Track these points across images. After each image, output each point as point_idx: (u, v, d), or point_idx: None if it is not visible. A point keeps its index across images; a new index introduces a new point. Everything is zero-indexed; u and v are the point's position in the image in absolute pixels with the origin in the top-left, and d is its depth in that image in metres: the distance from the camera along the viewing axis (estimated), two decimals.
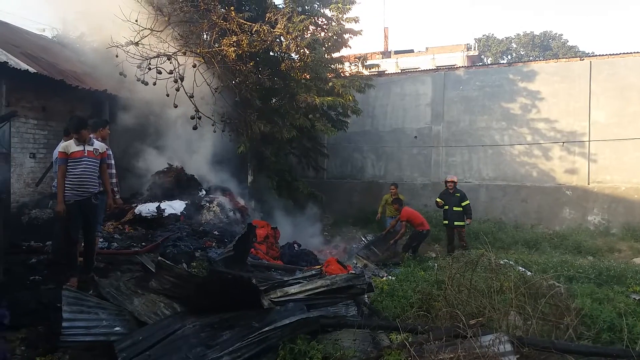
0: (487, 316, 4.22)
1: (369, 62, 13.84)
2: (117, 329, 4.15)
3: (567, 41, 44.03)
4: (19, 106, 9.41)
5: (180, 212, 9.31)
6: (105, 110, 11.27)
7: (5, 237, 5.79)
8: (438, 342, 3.69)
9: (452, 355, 3.45)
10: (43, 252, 6.93)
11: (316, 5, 12.51)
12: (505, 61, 40.73)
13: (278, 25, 10.90)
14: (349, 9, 11.96)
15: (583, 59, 14.15)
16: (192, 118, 8.52)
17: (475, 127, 14.86)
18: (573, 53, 39.06)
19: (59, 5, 11.53)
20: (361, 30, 12.60)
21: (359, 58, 13.36)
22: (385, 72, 19.48)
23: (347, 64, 13.59)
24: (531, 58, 39.99)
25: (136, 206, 9.35)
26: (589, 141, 13.39)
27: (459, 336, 3.69)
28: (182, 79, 7.92)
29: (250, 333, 3.97)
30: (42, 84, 9.75)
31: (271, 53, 12.05)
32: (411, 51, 32.27)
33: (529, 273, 6.71)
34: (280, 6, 11.77)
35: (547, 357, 3.74)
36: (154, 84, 7.98)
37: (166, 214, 9.08)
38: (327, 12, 12.36)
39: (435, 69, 17.65)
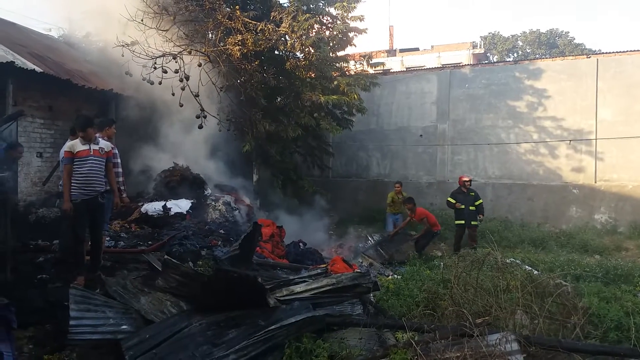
0: (494, 315, 4.21)
1: (374, 61, 13.82)
2: (124, 327, 4.16)
3: (574, 39, 43.78)
4: (25, 105, 9.47)
5: (186, 211, 9.34)
6: (112, 110, 11.32)
7: (13, 236, 5.82)
8: (444, 341, 3.68)
9: (458, 354, 3.43)
10: (50, 251, 6.96)
11: (321, 4, 12.51)
12: (511, 59, 40.53)
13: (283, 24, 10.90)
14: (354, 7, 11.94)
15: (590, 57, 14.06)
16: (198, 117, 8.53)
17: (481, 125, 14.80)
18: (580, 51, 38.82)
19: (65, 5, 11.58)
20: (366, 29, 12.58)
21: (364, 56, 13.34)
22: (391, 71, 19.47)
23: (352, 62, 13.58)
24: (537, 56, 39.82)
25: (142, 205, 9.39)
26: (596, 139, 13.31)
27: (466, 335, 3.68)
28: (187, 78, 7.93)
29: (256, 331, 3.98)
30: (49, 83, 9.80)
31: (276, 52, 12.06)
32: (416, 49, 32.21)
33: (535, 272, 6.68)
34: (285, 5, 11.77)
35: (554, 356, 3.73)
36: (160, 83, 8.00)
37: (172, 213, 9.11)
38: (332, 10, 12.35)
39: (440, 67, 17.61)
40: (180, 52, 8.13)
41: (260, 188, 12.88)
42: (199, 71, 8.26)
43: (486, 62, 27.49)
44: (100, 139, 5.94)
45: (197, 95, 8.12)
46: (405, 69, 22.32)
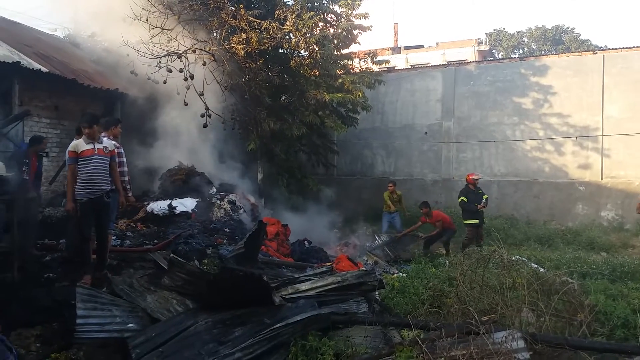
0: (500, 313, 4.20)
1: (378, 58, 13.79)
2: (130, 325, 4.18)
3: (580, 35, 43.51)
4: (32, 105, 9.53)
5: (192, 210, 9.36)
6: (117, 109, 11.37)
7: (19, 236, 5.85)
8: (450, 339, 3.67)
9: (464, 352, 3.43)
10: (57, 250, 7.01)
11: (325, 2, 12.50)
12: (516, 56, 40.33)
13: (287, 23, 10.90)
14: (358, 5, 11.91)
15: (596, 53, 13.98)
16: (202, 116, 8.57)
17: (486, 122, 14.74)
18: (586, 47, 38.56)
19: (71, 5, 11.62)
20: (371, 26, 12.56)
21: (368, 54, 13.31)
22: (395, 68, 19.39)
23: (356, 60, 13.55)
24: (543, 52, 39.63)
25: (148, 204, 9.42)
26: (602, 136, 13.23)
27: (471, 333, 3.67)
28: (192, 77, 7.95)
29: (261, 329, 3.99)
30: (55, 83, 9.85)
31: (280, 50, 12.06)
32: (421, 46, 32.11)
33: (541, 269, 6.66)
34: (290, 3, 11.77)
35: (560, 353, 3.71)
36: (165, 82, 8.03)
37: (178, 212, 9.14)
38: (337, 8, 12.33)
39: (445, 64, 17.56)
40: (184, 51, 8.15)
41: (265, 186, 12.89)
42: (203, 70, 8.29)
43: (491, 59, 27.34)
44: (104, 138, 5.94)
45: (201, 94, 8.15)
46: (410, 67, 22.22)
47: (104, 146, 5.78)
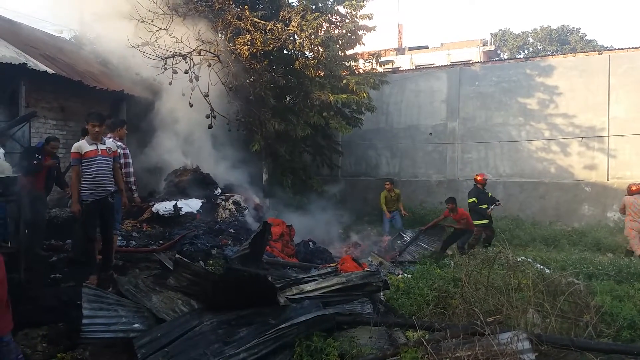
0: (505, 314, 4.18)
1: (383, 59, 13.79)
2: (136, 325, 4.20)
3: (585, 35, 43.29)
4: (38, 107, 9.58)
5: (197, 211, 9.40)
6: (123, 110, 11.41)
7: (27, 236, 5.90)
8: (455, 340, 3.66)
9: (469, 353, 3.42)
10: (63, 251, 7.05)
11: (330, 3, 12.50)
12: (522, 56, 40.20)
13: (292, 24, 10.91)
14: (363, 5, 11.92)
15: (602, 53, 13.91)
16: (207, 117, 8.60)
17: (491, 123, 14.70)
18: (591, 47, 38.39)
19: (76, 6, 11.68)
20: (375, 27, 12.55)
21: (373, 55, 13.31)
22: (400, 69, 19.41)
23: (361, 61, 13.56)
24: (548, 53, 39.46)
25: (153, 205, 9.46)
26: (608, 136, 13.17)
27: (477, 334, 3.66)
28: (197, 78, 7.99)
29: (266, 330, 3.99)
30: (61, 84, 9.90)
31: (285, 51, 12.07)
32: (426, 47, 32.09)
33: (547, 270, 6.63)
34: (294, 4, 11.78)
35: (566, 355, 3.70)
36: (170, 83, 8.07)
37: (183, 212, 9.18)
38: (341, 9, 12.34)
39: (450, 65, 17.52)
40: (190, 52, 8.19)
41: (270, 187, 12.91)
42: (208, 71, 8.32)
43: (496, 59, 27.29)
44: (105, 139, 5.95)
45: (206, 96, 8.18)
46: (414, 67, 22.21)
47: (107, 147, 5.78)
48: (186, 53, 8.19)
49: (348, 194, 15.10)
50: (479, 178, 10.36)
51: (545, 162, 13.99)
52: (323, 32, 11.54)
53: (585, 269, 7.36)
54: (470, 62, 20.72)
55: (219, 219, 9.48)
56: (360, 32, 12.52)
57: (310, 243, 9.43)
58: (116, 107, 11.40)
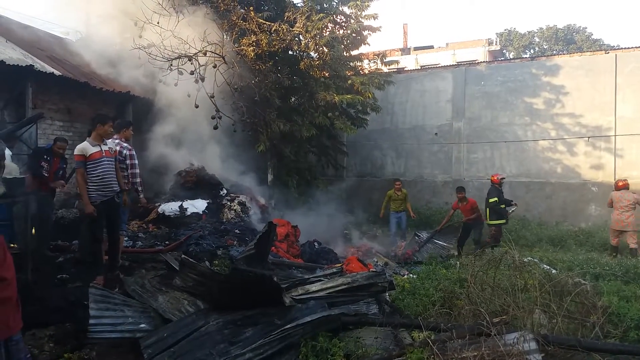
0: (511, 314, 4.17)
1: (388, 59, 13.78)
2: (142, 325, 4.22)
3: (592, 34, 43.08)
4: (45, 108, 9.64)
5: (202, 211, 9.42)
6: (129, 112, 11.46)
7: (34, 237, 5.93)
8: (461, 340, 3.65)
9: (475, 354, 3.41)
10: (70, 251, 7.08)
11: (335, 3, 12.51)
12: (528, 56, 40.02)
13: (297, 24, 10.93)
14: (368, 5, 11.92)
15: (608, 52, 13.84)
16: (213, 118, 8.62)
17: (497, 123, 14.66)
18: (598, 46, 38.18)
19: (83, 8, 11.76)
20: (380, 27, 12.55)
21: (378, 55, 13.31)
22: (405, 69, 19.36)
23: (366, 61, 13.55)
24: (555, 52, 39.27)
25: (159, 205, 9.50)
26: (615, 136, 13.09)
27: (483, 334, 3.65)
28: (202, 79, 8.01)
29: (272, 330, 4.00)
30: (67, 86, 9.96)
31: (290, 52, 12.10)
32: (431, 47, 31.99)
33: (554, 271, 6.60)
34: (299, 5, 11.80)
35: (573, 355, 3.68)
36: (175, 84, 8.09)
37: (188, 213, 9.21)
38: (346, 9, 12.35)
39: (455, 65, 17.48)
40: (195, 53, 8.21)
41: (275, 188, 12.92)
42: (214, 72, 8.34)
43: (502, 59, 27.17)
44: (105, 140, 6.00)
45: (212, 96, 8.20)
46: (419, 67, 22.17)
47: (109, 147, 5.85)
48: (192, 54, 8.22)
49: (353, 194, 15.09)
50: (494, 178, 10.47)
51: (552, 162, 13.93)
52: (328, 32, 11.56)
53: (592, 270, 7.32)
54: (476, 61, 20.65)
55: (225, 220, 9.50)
56: (365, 33, 12.52)
57: (316, 244, 9.44)
58: (122, 108, 11.45)
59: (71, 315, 4.66)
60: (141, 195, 6.87)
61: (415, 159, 15.84)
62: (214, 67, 8.43)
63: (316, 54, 11.61)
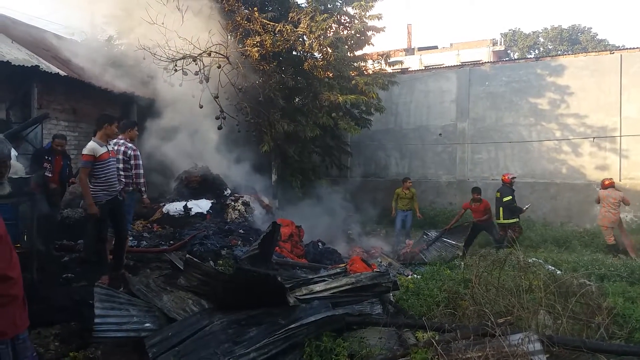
0: (516, 315, 4.16)
1: (392, 59, 13.77)
2: (147, 325, 4.23)
3: (597, 34, 42.98)
4: (50, 108, 9.69)
5: (207, 211, 9.45)
6: (133, 112, 11.50)
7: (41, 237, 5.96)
8: (466, 341, 3.64)
9: (480, 354, 3.40)
10: (75, 251, 7.12)
11: (339, 4, 12.52)
12: (532, 56, 39.92)
13: (301, 25, 10.94)
14: (372, 6, 11.91)
15: (613, 53, 13.78)
16: (217, 118, 8.64)
17: (501, 123, 14.62)
18: (603, 47, 38.04)
19: (88, 9, 11.81)
20: (384, 28, 12.54)
21: (382, 55, 13.30)
22: (409, 69, 19.35)
23: (370, 61, 13.54)
24: (559, 52, 39.15)
25: (164, 205, 9.53)
26: (620, 136, 13.03)
27: (487, 335, 3.65)
28: (207, 79, 8.03)
29: (276, 330, 4.00)
30: (72, 86, 10.01)
31: (294, 52, 12.11)
32: (435, 47, 31.98)
33: (558, 272, 6.58)
34: (303, 5, 11.81)
35: (578, 356, 3.67)
36: (180, 85, 8.11)
37: (193, 213, 9.25)
38: (350, 10, 12.34)
39: (460, 65, 17.45)
40: (200, 54, 8.23)
41: (279, 188, 12.94)
42: (218, 73, 8.36)
43: (507, 59, 27.12)
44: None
45: (216, 97, 8.22)
46: (423, 68, 22.14)
47: (112, 148, 5.96)
48: (196, 55, 8.24)
49: (357, 194, 15.07)
50: (505, 178, 10.75)
51: (557, 163, 13.88)
52: (332, 33, 11.55)
53: (597, 271, 7.30)
54: (480, 62, 20.62)
55: (229, 220, 9.52)
56: (369, 33, 12.52)
57: (320, 244, 9.44)
58: (127, 108, 11.49)
59: (76, 314, 4.68)
60: (144, 196, 6.90)
61: (419, 160, 15.82)
62: (219, 67, 8.44)
63: (320, 55, 11.61)
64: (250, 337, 3.99)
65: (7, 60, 8.35)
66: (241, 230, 8.88)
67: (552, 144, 13.94)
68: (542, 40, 45.29)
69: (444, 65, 20.52)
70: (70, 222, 8.32)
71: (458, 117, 15.24)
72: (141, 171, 6.69)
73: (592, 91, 13.41)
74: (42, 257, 5.99)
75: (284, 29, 10.57)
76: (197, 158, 11.38)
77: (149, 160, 9.97)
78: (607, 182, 10.51)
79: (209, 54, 8.44)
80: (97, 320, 4.03)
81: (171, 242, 7.92)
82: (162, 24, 8.01)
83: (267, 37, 10.41)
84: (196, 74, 8.04)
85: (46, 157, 7.16)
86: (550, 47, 44.08)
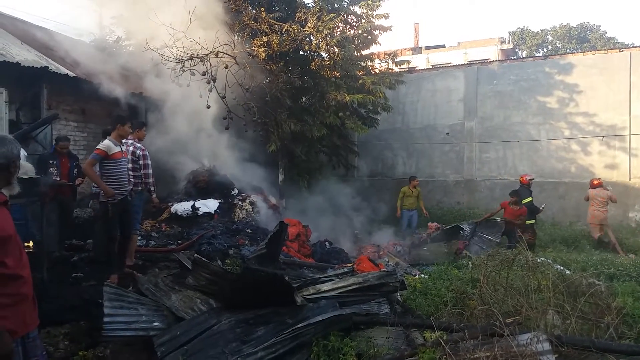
0: (524, 315, 4.14)
1: (399, 59, 13.74)
2: (155, 324, 4.26)
3: (606, 32, 42.65)
4: (59, 109, 9.78)
5: (214, 211, 9.48)
6: (141, 112, 11.56)
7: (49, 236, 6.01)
8: (474, 341, 3.63)
9: (488, 354, 3.39)
10: (84, 250, 7.17)
11: (345, 3, 12.50)
12: (541, 54, 39.67)
13: (308, 24, 10.94)
14: (379, 5, 11.87)
15: (622, 51, 13.65)
16: (224, 118, 8.67)
17: (509, 122, 14.54)
18: (612, 45, 37.72)
19: (96, 10, 11.89)
20: (391, 27, 12.50)
21: (389, 54, 13.26)
22: (416, 68, 19.29)
23: (377, 60, 13.52)
24: (568, 51, 38.85)
25: (172, 205, 9.58)
26: (630, 135, 12.91)
27: (496, 335, 3.63)
28: (214, 80, 8.06)
29: (284, 329, 4.01)
30: (81, 87, 10.08)
31: (301, 52, 12.10)
32: (442, 46, 31.86)
33: (567, 271, 6.54)
34: (310, 5, 11.81)
35: (587, 356, 3.64)
36: (188, 85, 8.15)
37: (201, 213, 9.28)
38: (357, 9, 12.32)
39: (467, 64, 17.37)
40: (207, 54, 8.26)
41: (286, 188, 12.95)
42: (225, 73, 8.39)
43: (515, 57, 26.95)
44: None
45: (223, 97, 8.25)
46: (431, 67, 22.06)
47: (125, 149, 6.04)
48: (204, 55, 8.27)
49: (364, 194, 15.05)
50: (524, 179, 11.07)
51: (565, 162, 13.78)
52: (339, 32, 11.54)
53: (606, 270, 7.25)
54: (488, 60, 20.52)
55: (236, 219, 9.55)
56: (376, 32, 12.48)
57: (327, 243, 9.45)
58: (135, 109, 11.54)
59: (86, 313, 4.73)
60: (153, 195, 6.94)
61: (427, 159, 15.77)
62: (226, 67, 8.47)
63: (327, 54, 11.59)
64: (258, 336, 4.01)
65: (17, 62, 8.43)
66: (248, 230, 8.90)
67: (560, 142, 13.85)
68: (550, 38, 44.98)
69: (452, 64, 20.43)
70: (79, 221, 8.39)
71: (466, 116, 15.17)
72: (150, 171, 6.73)
73: (601, 89, 13.30)
74: (51, 257, 6.05)
75: (290, 29, 10.58)
76: (205, 158, 11.42)
77: (156, 160, 10.02)
78: (595, 182, 11.04)
79: (217, 55, 8.47)
80: (106, 319, 4.07)
81: (179, 241, 7.96)
82: (170, 24, 8.05)
83: (274, 37, 10.42)
84: (203, 74, 8.08)
85: (51, 162, 7.15)
86: (558, 46, 43.76)
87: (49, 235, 5.88)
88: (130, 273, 5.87)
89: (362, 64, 12.98)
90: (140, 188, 6.64)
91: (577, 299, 4.27)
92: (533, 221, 10.44)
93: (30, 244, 5.73)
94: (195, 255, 5.37)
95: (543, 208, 10.95)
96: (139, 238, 7.45)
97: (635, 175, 12.87)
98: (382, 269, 6.86)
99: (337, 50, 11.17)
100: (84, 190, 9.85)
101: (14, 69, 8.33)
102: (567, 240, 11.42)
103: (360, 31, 12.04)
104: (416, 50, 31.00)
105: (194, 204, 9.45)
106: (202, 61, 8.21)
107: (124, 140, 6.30)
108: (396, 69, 14.15)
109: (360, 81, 12.07)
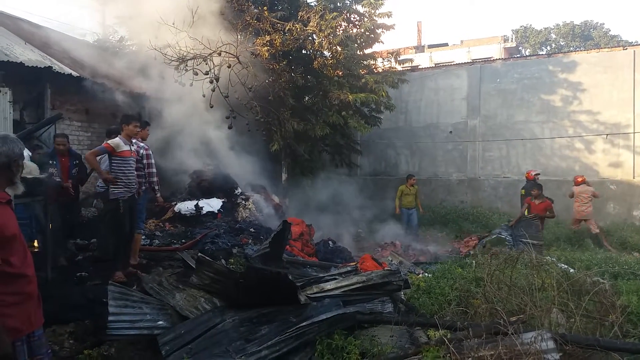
0: (529, 313, 4.13)
1: (402, 57, 13.71)
2: (160, 322, 4.26)
3: (609, 30, 42.43)
4: (63, 109, 9.79)
5: (218, 210, 9.49)
6: (145, 112, 11.57)
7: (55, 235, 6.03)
8: (478, 339, 3.63)
9: (492, 352, 3.38)
10: (89, 250, 7.19)
11: (348, 2, 12.50)
12: (544, 52, 39.53)
13: (310, 23, 10.94)
14: (382, 4, 11.86)
15: (626, 48, 13.60)
16: (227, 118, 8.68)
17: (513, 120, 14.50)
18: (615, 42, 37.58)
19: (99, 10, 11.92)
20: (394, 25, 12.50)
21: (391, 53, 13.25)
22: (419, 67, 19.27)
23: (379, 59, 13.51)
24: (572, 48, 38.71)
25: (175, 204, 9.59)
26: (634, 133, 12.87)
27: (500, 333, 3.62)
28: (217, 79, 8.07)
29: (288, 328, 4.02)
30: (85, 87, 10.11)
31: (304, 51, 12.10)
32: (445, 45, 31.76)
33: (571, 270, 6.52)
34: (313, 4, 11.80)
35: (591, 355, 3.63)
36: (191, 84, 8.16)
37: (204, 212, 9.28)
38: (359, 8, 12.31)
39: (470, 62, 17.33)
40: (210, 54, 8.27)
41: (289, 186, 12.96)
42: (228, 72, 8.40)
43: (518, 55, 26.86)
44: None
45: (226, 96, 8.26)
46: (434, 65, 22.03)
47: (134, 149, 6.05)
48: (206, 55, 8.28)
49: (367, 193, 15.05)
50: (529, 175, 11.30)
51: (569, 160, 13.75)
52: (342, 31, 11.53)
53: (610, 269, 7.22)
54: (491, 59, 20.46)
55: (240, 218, 9.56)
56: (379, 31, 12.47)
57: (330, 242, 9.45)
58: (138, 108, 11.56)
59: (90, 312, 4.74)
60: (158, 194, 6.95)
61: (430, 158, 15.75)
62: (229, 67, 8.48)
63: (330, 53, 11.58)
64: (262, 335, 4.02)
65: (21, 62, 8.45)
66: (252, 229, 8.91)
67: (564, 141, 13.81)
68: (554, 36, 44.79)
69: (455, 63, 20.39)
70: (83, 221, 8.41)
71: (469, 115, 15.15)
72: (154, 170, 6.74)
73: (605, 87, 13.26)
74: (56, 257, 6.07)
75: (293, 28, 10.58)
76: (208, 157, 11.42)
77: (160, 160, 10.03)
78: (579, 179, 11.47)
79: (219, 54, 8.47)
80: (110, 318, 4.08)
81: (183, 240, 7.97)
82: (173, 24, 8.06)
83: (276, 36, 10.43)
84: (206, 73, 8.09)
85: (50, 162, 7.07)
86: (562, 44, 43.58)
87: (53, 239, 5.89)
88: (134, 272, 5.89)
89: (365, 62, 12.97)
90: (144, 187, 6.66)
91: (582, 297, 4.26)
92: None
93: (35, 243, 5.75)
94: (199, 254, 5.37)
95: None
96: (143, 237, 7.46)
97: (639, 174, 12.82)
98: (386, 268, 6.86)
99: (339, 49, 11.16)
100: (88, 189, 9.88)
101: (17, 69, 8.35)
102: (571, 238, 11.39)
103: (363, 30, 12.03)
104: (419, 48, 30.91)
105: (197, 203, 9.46)
106: (204, 60, 8.22)
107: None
108: (399, 67, 14.13)
109: (363, 80, 12.07)
